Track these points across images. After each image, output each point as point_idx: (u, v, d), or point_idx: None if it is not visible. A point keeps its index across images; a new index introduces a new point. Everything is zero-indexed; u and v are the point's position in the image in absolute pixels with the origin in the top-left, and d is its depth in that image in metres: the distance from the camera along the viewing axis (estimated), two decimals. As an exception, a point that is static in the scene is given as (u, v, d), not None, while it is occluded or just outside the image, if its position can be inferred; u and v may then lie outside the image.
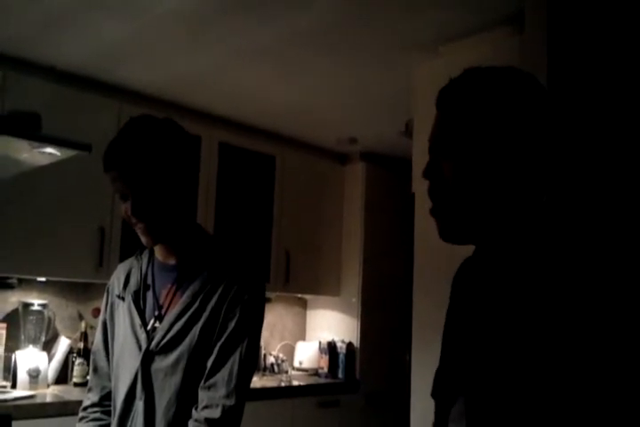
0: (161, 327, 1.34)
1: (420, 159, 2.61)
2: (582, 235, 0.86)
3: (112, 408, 1.41)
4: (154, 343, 1.33)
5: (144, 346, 1.34)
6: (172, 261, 1.39)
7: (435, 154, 0.92)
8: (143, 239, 1.34)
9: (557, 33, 2.08)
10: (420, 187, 2.61)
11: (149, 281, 1.41)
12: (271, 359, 3.88)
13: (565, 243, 0.83)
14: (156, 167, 1.29)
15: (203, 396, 1.29)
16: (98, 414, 1.44)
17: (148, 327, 1.35)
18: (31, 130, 1.46)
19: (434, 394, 0.99)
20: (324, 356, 3.97)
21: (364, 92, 3.14)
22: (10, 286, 2.94)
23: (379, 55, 2.71)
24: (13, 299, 2.96)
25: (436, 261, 2.45)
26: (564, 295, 0.77)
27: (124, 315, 1.41)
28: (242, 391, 1.30)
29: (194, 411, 1.29)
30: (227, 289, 1.33)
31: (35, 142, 1.43)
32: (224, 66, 2.86)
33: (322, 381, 3.85)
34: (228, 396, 1.27)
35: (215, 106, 3.38)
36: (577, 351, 0.74)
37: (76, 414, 1.48)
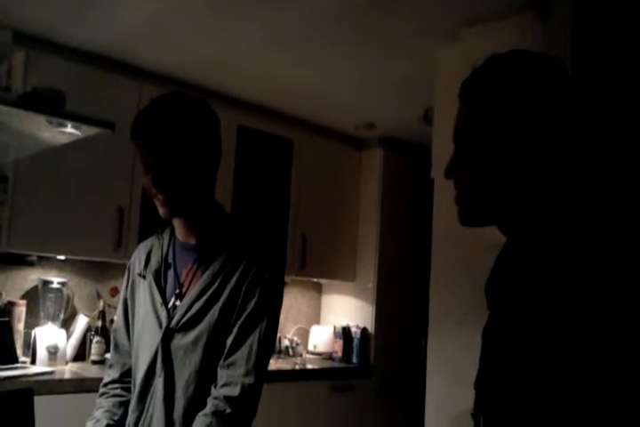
0: (181, 306, 1.35)
1: (439, 146, 2.59)
2: (599, 228, 0.85)
3: (132, 385, 1.43)
4: (174, 321, 1.35)
5: (164, 324, 1.35)
6: (192, 241, 1.40)
7: (456, 151, 0.93)
8: (161, 211, 1.35)
9: (583, 18, 2.04)
10: (439, 173, 2.60)
11: (170, 260, 1.42)
12: (286, 342, 3.90)
13: (581, 238, 0.82)
14: (181, 140, 1.30)
15: (222, 374, 1.30)
16: (118, 391, 1.46)
17: (169, 305, 1.37)
18: (55, 107, 1.47)
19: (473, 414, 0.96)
20: (338, 340, 3.98)
21: (384, 78, 3.11)
22: (30, 264, 2.97)
23: (400, 40, 2.69)
24: (33, 276, 3.01)
25: (453, 247, 2.44)
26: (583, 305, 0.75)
27: (144, 293, 1.42)
28: (261, 370, 1.31)
29: (213, 389, 1.30)
30: (246, 269, 1.34)
31: (59, 119, 1.44)
32: (246, 49, 2.86)
33: (336, 365, 3.87)
34: (247, 374, 1.29)
35: (235, 88, 3.38)
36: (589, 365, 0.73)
37: (93, 391, 1.51)
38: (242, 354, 1.30)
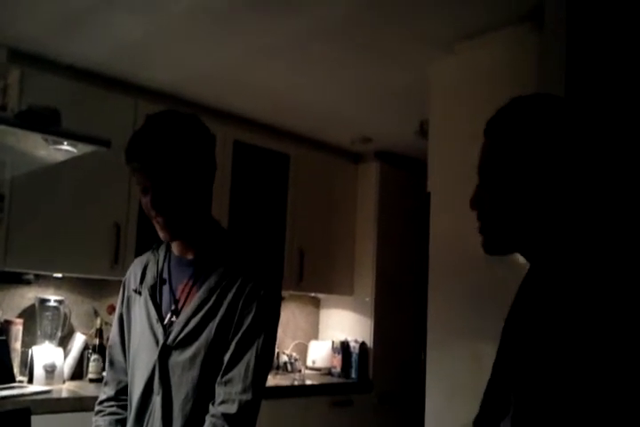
0: (178, 322, 1.34)
1: (434, 159, 2.60)
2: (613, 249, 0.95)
3: (129, 403, 1.41)
4: (171, 338, 1.34)
5: (161, 340, 1.34)
6: (189, 256, 1.40)
7: (480, 183, 1.01)
8: (161, 234, 1.35)
9: (577, 31, 2.06)
10: (435, 186, 2.60)
11: (166, 275, 1.41)
12: (284, 358, 3.88)
13: (596, 265, 0.91)
14: (177, 160, 1.30)
15: (219, 391, 1.29)
16: (114, 409, 1.45)
17: (165, 322, 1.36)
18: (51, 125, 1.47)
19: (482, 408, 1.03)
20: (336, 355, 3.96)
21: (380, 91, 3.14)
22: (27, 282, 2.96)
23: (394, 53, 2.71)
24: (30, 295, 2.99)
25: (451, 260, 2.44)
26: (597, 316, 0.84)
27: (140, 309, 1.41)
28: (258, 387, 1.30)
29: (211, 406, 1.29)
30: (243, 285, 1.33)
31: (55, 137, 1.44)
32: (240, 64, 2.88)
33: (335, 380, 3.85)
34: (244, 391, 1.28)
35: (230, 104, 3.40)
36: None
37: (91, 409, 1.49)
38: (239, 371, 1.29)
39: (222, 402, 1.28)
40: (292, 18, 2.41)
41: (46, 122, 1.49)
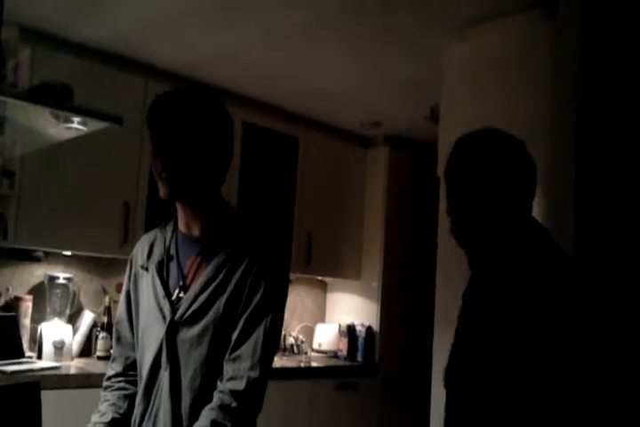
0: (185, 298, 1.35)
1: (445, 144, 2.58)
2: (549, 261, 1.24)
3: (138, 378, 1.42)
4: (178, 314, 1.34)
5: (168, 317, 1.35)
6: (195, 233, 1.40)
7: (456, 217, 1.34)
8: (161, 191, 1.35)
9: (591, 16, 2.04)
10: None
11: (173, 252, 1.41)
12: (291, 340, 3.90)
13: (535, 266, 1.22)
14: (193, 125, 1.32)
15: (227, 368, 1.30)
16: (122, 384, 1.46)
17: (173, 297, 1.37)
18: (63, 101, 1.47)
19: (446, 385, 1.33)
20: (343, 339, 3.98)
21: (390, 76, 3.11)
22: (36, 259, 2.99)
23: (406, 38, 2.69)
24: (39, 272, 3.02)
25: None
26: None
27: (147, 285, 1.42)
28: (266, 364, 1.31)
29: (219, 382, 1.30)
30: (251, 263, 1.33)
31: (66, 113, 1.44)
32: (251, 46, 2.86)
33: (341, 363, 3.87)
34: (252, 368, 1.29)
35: (240, 86, 3.39)
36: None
37: (99, 386, 1.50)
38: (247, 348, 1.30)
39: (230, 379, 1.29)
40: (306, 3, 2.39)
41: (58, 97, 1.48)
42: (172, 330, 1.34)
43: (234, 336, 1.31)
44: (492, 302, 1.23)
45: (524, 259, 1.24)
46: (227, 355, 1.31)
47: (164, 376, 1.34)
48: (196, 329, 1.33)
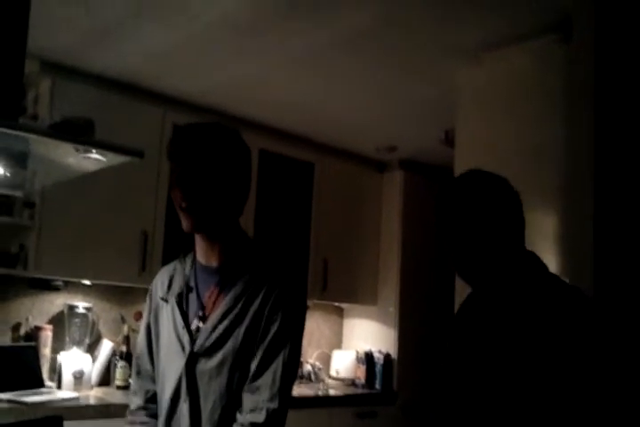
0: (204, 328, 1.35)
1: (462, 168, 2.58)
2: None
3: (158, 410, 1.42)
4: (198, 345, 1.34)
5: (188, 348, 1.35)
6: (214, 263, 1.41)
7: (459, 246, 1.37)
8: (184, 223, 1.36)
9: (605, 42, 2.05)
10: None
11: (192, 283, 1.42)
12: (308, 367, 3.87)
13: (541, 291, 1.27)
14: (214, 158, 1.34)
15: (247, 399, 1.30)
16: (145, 418, 1.45)
17: (192, 328, 1.37)
18: (85, 136, 1.50)
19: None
20: (360, 366, 3.94)
21: (404, 100, 3.14)
22: (56, 289, 3.01)
23: (420, 63, 2.71)
24: (59, 301, 3.04)
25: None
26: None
27: (167, 317, 1.42)
28: (285, 395, 1.30)
29: (238, 414, 1.30)
30: (269, 292, 1.34)
31: (89, 148, 1.47)
32: (266, 74, 2.91)
33: (359, 391, 3.82)
34: (271, 399, 1.28)
35: (256, 113, 3.43)
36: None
37: (118, 416, 1.51)
38: (266, 379, 1.29)
39: (250, 411, 1.28)
40: (318, 29, 2.43)
41: (81, 132, 1.51)
42: (192, 361, 1.35)
43: (252, 366, 1.31)
44: (499, 333, 1.27)
45: (528, 288, 1.27)
46: (246, 385, 1.31)
47: (184, 408, 1.34)
48: (215, 360, 1.33)
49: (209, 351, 1.33)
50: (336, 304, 4.16)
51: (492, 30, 2.38)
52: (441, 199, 1.42)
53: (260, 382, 1.30)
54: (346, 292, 3.91)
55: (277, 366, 1.30)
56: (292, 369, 1.35)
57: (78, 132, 1.51)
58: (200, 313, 1.38)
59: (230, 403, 1.31)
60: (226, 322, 1.34)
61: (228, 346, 1.32)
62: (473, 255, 1.30)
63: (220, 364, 1.32)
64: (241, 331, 1.32)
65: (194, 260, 1.45)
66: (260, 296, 1.34)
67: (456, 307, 2.51)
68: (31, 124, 1.66)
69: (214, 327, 1.34)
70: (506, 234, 1.30)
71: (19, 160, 1.66)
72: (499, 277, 1.30)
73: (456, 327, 1.44)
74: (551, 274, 1.33)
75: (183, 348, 1.36)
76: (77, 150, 1.52)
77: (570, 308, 1.22)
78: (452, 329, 1.45)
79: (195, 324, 1.38)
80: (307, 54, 2.66)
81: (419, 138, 3.64)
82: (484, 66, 2.55)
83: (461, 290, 2.50)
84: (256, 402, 1.28)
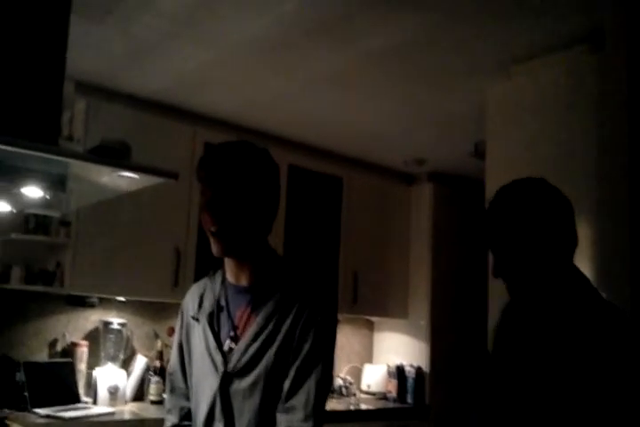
0: (237, 349, 1.35)
1: (493, 180, 2.57)
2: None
3: None
4: (231, 365, 1.34)
5: (221, 368, 1.35)
6: (244, 283, 1.40)
7: (498, 255, 1.36)
8: (214, 248, 1.35)
9: (638, 49, 2.03)
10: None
11: (223, 303, 1.42)
12: (339, 382, 3.85)
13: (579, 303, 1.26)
14: (242, 179, 1.33)
15: (281, 419, 1.29)
16: None
17: (225, 348, 1.37)
18: (122, 159, 1.53)
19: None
20: (392, 380, 3.91)
21: (433, 114, 3.14)
22: (91, 305, 3.06)
23: (449, 77, 2.71)
24: (94, 317, 3.09)
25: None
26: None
27: (199, 336, 1.42)
28: (319, 415, 1.30)
29: None
30: (300, 311, 1.33)
31: (126, 171, 1.50)
32: (295, 90, 2.93)
33: (390, 405, 3.80)
34: (306, 419, 1.27)
35: (285, 129, 3.46)
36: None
37: (152, 431, 1.51)
38: (300, 399, 1.29)
39: None
40: (348, 47, 2.45)
41: (117, 155, 1.54)
42: (225, 381, 1.34)
43: (285, 386, 1.31)
44: (539, 348, 1.26)
45: (569, 304, 1.26)
46: (279, 405, 1.30)
47: None
48: (248, 380, 1.32)
49: (242, 372, 1.33)
50: (366, 318, 4.14)
51: (521, 43, 2.37)
52: (492, 207, 1.35)
53: (293, 401, 1.29)
54: (376, 305, 3.90)
55: (311, 385, 1.29)
56: (326, 388, 1.34)
57: (116, 156, 1.55)
58: (232, 333, 1.38)
59: (264, 422, 1.31)
60: (258, 343, 1.33)
61: (261, 366, 1.32)
62: (518, 265, 1.29)
63: (253, 384, 1.32)
64: (273, 351, 1.32)
65: (224, 278, 1.45)
66: (292, 315, 1.33)
67: (489, 319, 2.51)
68: (72, 149, 1.70)
69: (247, 348, 1.34)
70: (554, 245, 1.28)
71: (58, 183, 1.69)
72: (541, 289, 1.29)
73: (495, 340, 1.42)
74: (593, 289, 1.32)
75: (216, 368, 1.36)
76: (114, 173, 1.55)
77: (606, 327, 1.21)
78: (492, 342, 1.43)
79: (227, 344, 1.37)
80: (336, 71, 2.68)
81: (447, 151, 3.64)
82: (514, 78, 2.54)
83: (494, 302, 2.49)
84: (290, 422, 1.28)
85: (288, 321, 1.33)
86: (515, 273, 1.30)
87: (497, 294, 2.47)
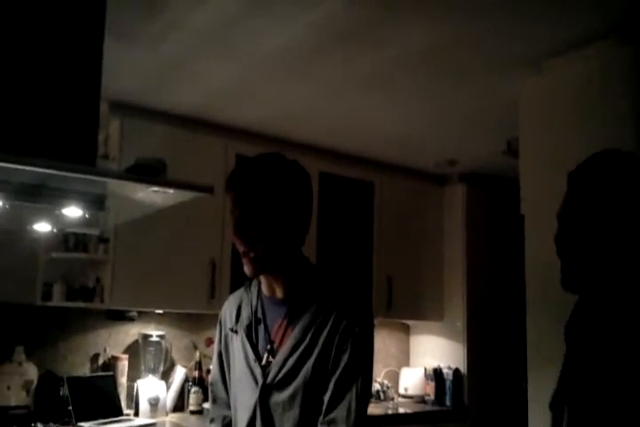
0: (275, 362, 1.35)
1: (528, 179, 2.53)
2: None
3: None
4: (270, 378, 1.34)
5: (260, 381, 1.35)
6: (279, 295, 1.40)
7: (562, 230, 1.19)
8: (247, 269, 1.35)
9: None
10: (529, 208, 2.53)
11: (260, 315, 1.42)
12: (376, 386, 3.83)
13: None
14: (271, 197, 1.32)
15: None
16: None
17: (263, 362, 1.37)
18: (158, 176, 1.55)
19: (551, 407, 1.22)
20: (429, 382, 3.88)
21: (464, 114, 3.09)
22: (130, 319, 3.10)
23: (479, 75, 2.66)
24: (134, 331, 3.13)
25: (550, 284, 2.35)
26: None
27: (237, 349, 1.42)
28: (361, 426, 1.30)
29: None
30: (337, 322, 1.32)
31: (163, 188, 1.52)
32: (324, 98, 2.92)
33: (429, 408, 3.77)
34: None
35: (316, 138, 3.45)
36: None
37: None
38: (341, 412, 1.28)
39: None
40: (376, 51, 2.43)
41: (154, 173, 1.56)
42: (265, 394, 1.34)
43: (325, 398, 1.30)
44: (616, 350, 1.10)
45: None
46: (320, 418, 1.30)
47: None
48: (287, 392, 1.32)
49: (280, 384, 1.33)
50: (402, 321, 4.12)
51: (552, 38, 2.32)
52: (570, 198, 1.16)
53: (334, 414, 1.28)
54: (411, 309, 3.87)
55: (351, 397, 1.28)
56: (366, 399, 1.33)
57: (153, 173, 1.56)
58: (269, 347, 1.38)
59: None
60: (295, 355, 1.33)
61: (299, 379, 1.31)
62: (590, 270, 1.13)
63: (292, 396, 1.31)
64: (311, 363, 1.31)
65: (259, 290, 1.45)
66: (329, 326, 1.32)
67: (527, 319, 2.47)
68: (110, 169, 1.73)
69: (285, 361, 1.33)
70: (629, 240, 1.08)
71: (96, 202, 1.71)
72: (613, 286, 1.12)
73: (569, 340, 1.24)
74: None
75: (256, 381, 1.36)
76: (150, 189, 1.57)
77: None
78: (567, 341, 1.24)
79: (265, 358, 1.37)
80: (364, 75, 2.65)
81: (479, 150, 3.58)
82: (547, 74, 2.49)
83: (533, 300, 2.45)
84: None
85: (325, 333, 1.32)
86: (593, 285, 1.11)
87: (536, 294, 2.43)
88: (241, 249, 1.34)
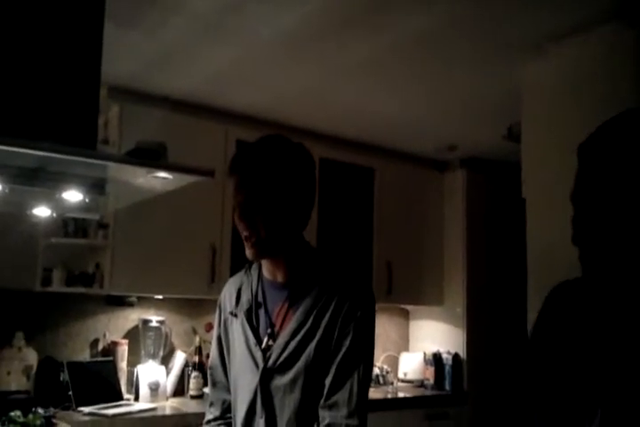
0: (276, 346, 1.34)
1: (529, 162, 2.52)
2: None
3: (233, 423, 1.43)
4: (271, 362, 1.34)
5: (261, 364, 1.34)
6: (280, 279, 1.39)
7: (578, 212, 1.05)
8: (249, 253, 1.34)
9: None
10: (531, 192, 2.52)
11: (260, 299, 1.41)
12: (376, 371, 3.85)
13: None
14: (274, 181, 1.30)
15: (324, 415, 1.29)
16: None
17: (263, 346, 1.36)
18: (159, 160, 1.53)
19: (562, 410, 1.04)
20: (429, 367, 3.90)
21: (464, 99, 3.07)
22: (130, 304, 3.10)
23: (480, 59, 2.64)
24: (133, 316, 3.12)
25: (552, 269, 2.35)
26: None
27: (237, 332, 1.42)
28: (363, 411, 1.29)
29: None
30: (339, 306, 1.32)
31: (164, 171, 1.51)
32: (323, 83, 2.90)
33: (428, 393, 3.79)
34: (350, 416, 1.27)
35: (315, 123, 3.43)
36: None
37: (193, 425, 1.52)
38: (343, 395, 1.28)
39: (328, 426, 1.27)
40: (377, 36, 2.40)
41: (154, 156, 1.54)
42: (266, 377, 1.34)
43: (327, 382, 1.30)
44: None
45: None
46: (322, 401, 1.30)
47: (260, 424, 1.34)
48: (289, 376, 1.32)
49: (282, 368, 1.33)
50: (402, 306, 4.13)
51: (555, 21, 2.29)
52: (583, 173, 1.02)
53: (336, 398, 1.28)
54: (411, 294, 3.88)
55: (353, 381, 1.28)
56: (367, 383, 1.33)
57: (154, 157, 1.55)
58: (269, 330, 1.37)
59: (305, 418, 1.31)
60: (297, 338, 1.32)
61: (301, 362, 1.31)
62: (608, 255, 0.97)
63: (294, 380, 1.31)
64: (312, 346, 1.31)
65: (260, 273, 1.44)
66: (331, 310, 1.32)
67: (528, 304, 2.47)
68: (110, 153, 1.71)
69: (286, 344, 1.33)
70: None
71: (97, 186, 1.70)
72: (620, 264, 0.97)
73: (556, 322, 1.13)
74: None
75: (256, 364, 1.35)
76: (151, 174, 1.55)
77: None
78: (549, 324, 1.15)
79: (265, 342, 1.37)
80: (364, 60, 2.63)
81: (479, 135, 3.56)
82: (549, 58, 2.46)
83: (534, 284, 2.45)
84: (334, 418, 1.27)
85: (327, 316, 1.32)
86: (596, 241, 0.97)
87: (538, 281, 2.43)
88: (244, 233, 1.33)
